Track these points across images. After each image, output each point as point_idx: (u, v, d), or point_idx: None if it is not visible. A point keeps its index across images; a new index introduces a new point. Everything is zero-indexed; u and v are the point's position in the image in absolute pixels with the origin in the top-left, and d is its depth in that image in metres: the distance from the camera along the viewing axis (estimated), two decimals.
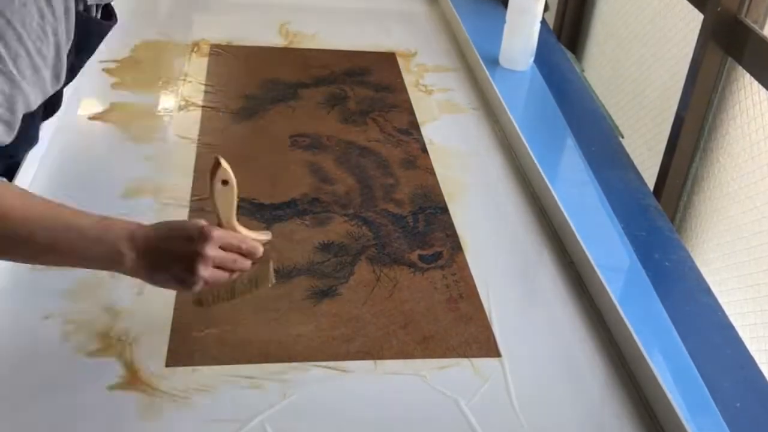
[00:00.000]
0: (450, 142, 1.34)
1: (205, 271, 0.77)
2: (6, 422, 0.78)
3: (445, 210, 1.16)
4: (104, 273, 0.90)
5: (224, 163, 0.79)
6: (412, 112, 1.42)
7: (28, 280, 0.94)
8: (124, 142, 1.24)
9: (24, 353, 0.86)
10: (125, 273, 0.77)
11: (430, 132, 1.36)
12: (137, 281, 0.80)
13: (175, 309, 0.92)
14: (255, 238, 0.83)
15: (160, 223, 0.79)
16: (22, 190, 0.80)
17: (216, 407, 0.82)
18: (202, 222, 0.79)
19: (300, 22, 1.73)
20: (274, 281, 0.88)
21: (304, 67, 1.53)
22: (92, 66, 1.38)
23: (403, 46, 1.67)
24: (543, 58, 1.68)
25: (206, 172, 0.81)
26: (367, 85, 1.49)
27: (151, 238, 0.76)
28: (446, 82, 1.55)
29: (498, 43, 1.65)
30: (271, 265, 0.87)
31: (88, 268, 0.81)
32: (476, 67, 1.57)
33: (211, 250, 0.77)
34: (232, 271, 0.80)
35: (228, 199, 0.80)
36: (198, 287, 0.78)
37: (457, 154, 1.31)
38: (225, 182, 0.79)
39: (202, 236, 0.77)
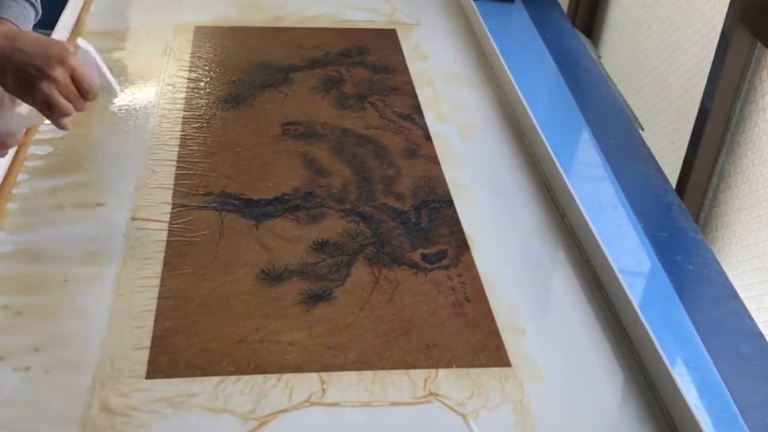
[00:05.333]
0: (455, 128, 1.33)
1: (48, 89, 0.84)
2: None
3: (450, 204, 1.16)
4: None
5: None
6: (414, 95, 1.41)
7: None
8: None
9: None
10: None
11: (433, 117, 1.35)
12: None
13: (156, 317, 0.92)
14: None
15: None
16: None
17: (202, 422, 0.81)
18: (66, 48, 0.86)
19: None
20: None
21: (296, 48, 1.53)
22: None
23: (404, 18, 1.65)
24: (557, 43, 1.68)
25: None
26: (365, 66, 1.49)
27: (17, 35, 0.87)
28: (452, 59, 1.53)
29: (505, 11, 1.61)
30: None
31: None
32: (484, 41, 1.55)
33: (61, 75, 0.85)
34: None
35: None
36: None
37: (463, 142, 1.30)
38: None
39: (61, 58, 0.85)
